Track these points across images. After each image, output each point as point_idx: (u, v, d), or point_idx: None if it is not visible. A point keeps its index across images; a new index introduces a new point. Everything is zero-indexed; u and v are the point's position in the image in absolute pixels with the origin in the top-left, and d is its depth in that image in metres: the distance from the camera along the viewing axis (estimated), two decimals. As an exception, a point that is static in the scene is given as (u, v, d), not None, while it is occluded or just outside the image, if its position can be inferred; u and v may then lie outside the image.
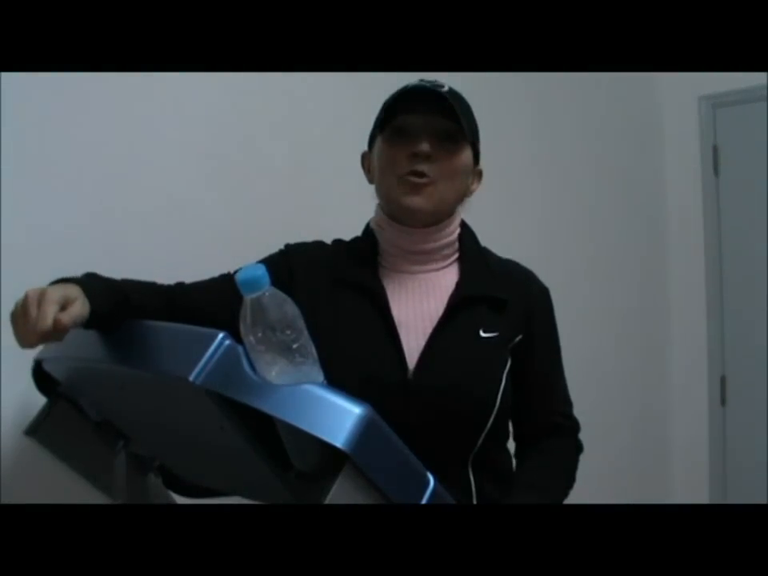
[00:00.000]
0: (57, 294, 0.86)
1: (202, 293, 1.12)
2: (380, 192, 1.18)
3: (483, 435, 1.10)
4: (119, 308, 0.96)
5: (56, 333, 0.84)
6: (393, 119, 1.12)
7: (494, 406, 1.10)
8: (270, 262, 1.13)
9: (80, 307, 0.88)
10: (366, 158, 1.22)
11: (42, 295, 0.85)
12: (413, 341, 1.10)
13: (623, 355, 2.76)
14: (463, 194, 1.18)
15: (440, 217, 1.15)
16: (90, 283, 0.94)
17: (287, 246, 1.22)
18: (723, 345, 2.93)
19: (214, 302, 1.07)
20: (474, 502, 1.10)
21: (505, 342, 1.14)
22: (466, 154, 1.15)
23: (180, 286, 1.13)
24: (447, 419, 1.08)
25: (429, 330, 1.11)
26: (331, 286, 1.15)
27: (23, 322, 0.84)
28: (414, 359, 1.09)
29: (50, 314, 0.83)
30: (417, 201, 1.11)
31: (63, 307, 0.85)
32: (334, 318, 1.12)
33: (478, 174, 1.22)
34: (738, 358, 2.90)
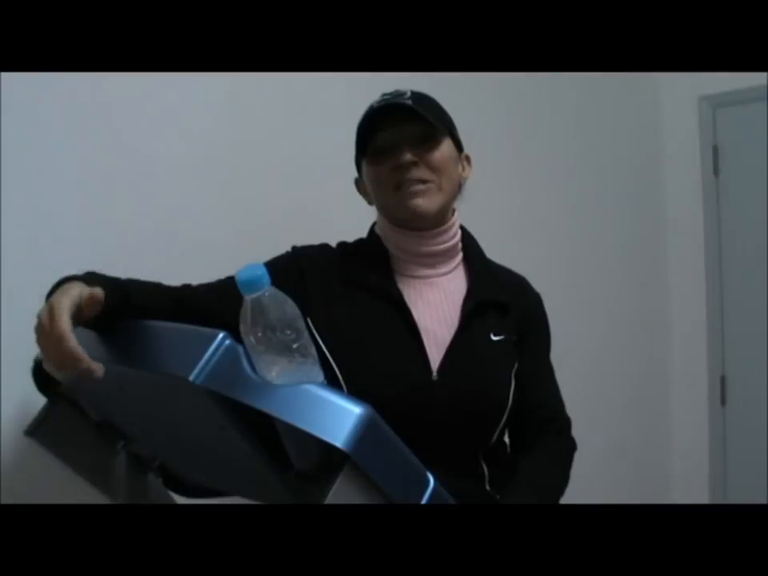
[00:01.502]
0: (65, 302, 0.84)
1: (208, 294, 1.12)
2: (382, 209, 1.22)
3: (498, 431, 1.16)
4: (120, 306, 0.96)
5: (85, 371, 0.82)
6: (370, 141, 1.16)
7: (507, 404, 1.16)
8: (279, 263, 1.16)
9: (97, 296, 0.87)
10: (359, 184, 1.25)
11: (51, 311, 0.83)
12: (433, 345, 1.14)
13: (623, 355, 2.76)
14: (457, 183, 1.21)
15: (444, 213, 1.19)
16: (92, 279, 0.94)
17: (294, 247, 1.23)
18: (723, 345, 2.93)
19: (220, 302, 1.08)
20: (488, 488, 1.16)
21: (510, 343, 1.20)
22: (447, 146, 1.18)
23: (187, 287, 1.13)
24: (467, 418, 1.13)
25: (446, 334, 1.15)
26: (345, 288, 1.17)
27: (45, 345, 0.84)
28: (436, 363, 1.13)
29: (64, 326, 0.81)
30: (421, 203, 1.14)
31: (79, 308, 0.85)
32: (353, 320, 1.14)
33: (467, 160, 1.25)
34: (738, 358, 2.90)
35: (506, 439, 1.25)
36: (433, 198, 1.15)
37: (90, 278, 0.94)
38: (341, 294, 1.16)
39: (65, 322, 0.82)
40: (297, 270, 1.17)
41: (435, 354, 1.13)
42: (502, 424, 1.16)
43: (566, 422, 1.28)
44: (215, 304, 1.08)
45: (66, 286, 0.90)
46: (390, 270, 1.20)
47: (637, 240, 2.88)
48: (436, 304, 1.18)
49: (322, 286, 1.17)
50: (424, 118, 1.12)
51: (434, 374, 1.12)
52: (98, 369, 0.83)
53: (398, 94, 1.16)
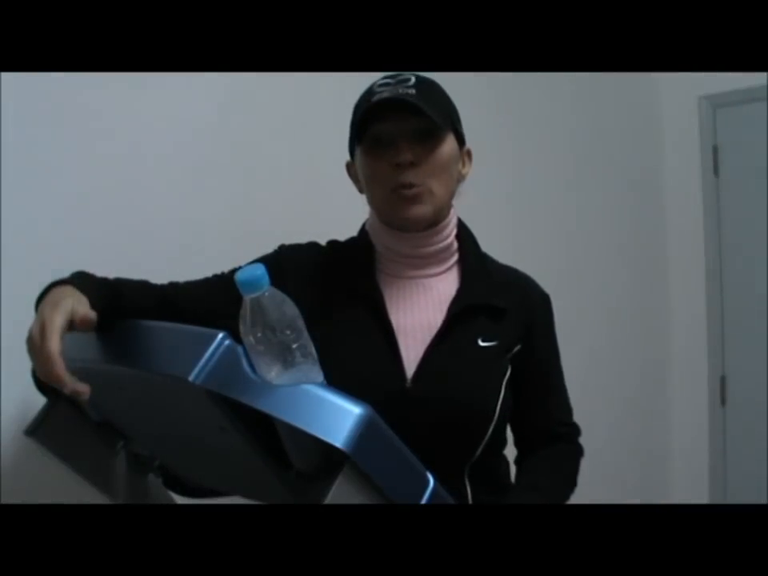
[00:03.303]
0: (57, 320, 0.82)
1: (195, 292, 1.11)
2: (372, 204, 1.15)
3: (482, 445, 1.09)
4: (112, 306, 0.95)
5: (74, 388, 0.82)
6: (367, 129, 1.08)
7: (493, 416, 1.08)
8: (264, 261, 1.12)
9: (85, 310, 0.86)
10: (351, 168, 1.19)
11: (42, 329, 0.82)
12: (411, 349, 1.08)
13: (623, 355, 2.77)
14: (456, 182, 1.15)
15: (439, 215, 1.13)
16: (82, 282, 0.94)
17: (281, 246, 1.20)
18: (723, 345, 2.93)
19: (208, 301, 1.07)
20: None
21: (504, 350, 1.13)
22: (449, 143, 1.11)
23: (173, 285, 1.12)
24: (446, 430, 1.06)
25: (427, 339, 1.09)
26: (326, 291, 1.13)
27: (35, 360, 0.83)
28: (412, 368, 1.07)
29: (53, 348, 0.80)
30: (415, 210, 1.08)
31: (71, 324, 0.84)
32: (331, 323, 1.09)
33: (468, 155, 1.19)
34: (738, 358, 2.90)
35: (505, 454, 1.20)
36: (426, 203, 1.08)
37: (81, 282, 0.93)
38: (319, 297, 1.11)
39: (54, 344, 0.80)
40: (279, 269, 1.11)
41: (413, 361, 1.07)
42: (487, 437, 1.08)
43: (575, 430, 1.23)
44: (201, 303, 1.07)
45: (58, 295, 0.88)
46: (373, 270, 1.15)
47: (637, 240, 2.88)
48: (421, 306, 1.12)
49: (301, 288, 1.09)
50: (426, 115, 1.04)
51: (408, 381, 1.06)
52: (84, 391, 0.82)
53: (402, 80, 1.08)
